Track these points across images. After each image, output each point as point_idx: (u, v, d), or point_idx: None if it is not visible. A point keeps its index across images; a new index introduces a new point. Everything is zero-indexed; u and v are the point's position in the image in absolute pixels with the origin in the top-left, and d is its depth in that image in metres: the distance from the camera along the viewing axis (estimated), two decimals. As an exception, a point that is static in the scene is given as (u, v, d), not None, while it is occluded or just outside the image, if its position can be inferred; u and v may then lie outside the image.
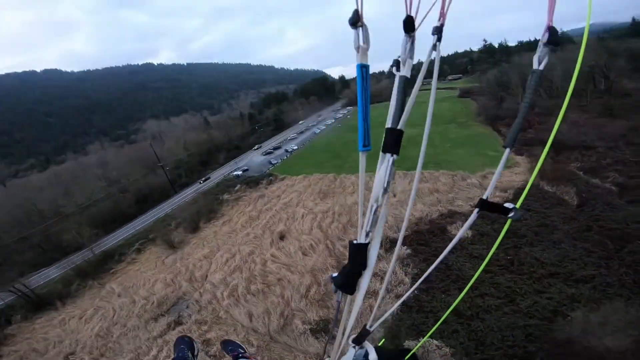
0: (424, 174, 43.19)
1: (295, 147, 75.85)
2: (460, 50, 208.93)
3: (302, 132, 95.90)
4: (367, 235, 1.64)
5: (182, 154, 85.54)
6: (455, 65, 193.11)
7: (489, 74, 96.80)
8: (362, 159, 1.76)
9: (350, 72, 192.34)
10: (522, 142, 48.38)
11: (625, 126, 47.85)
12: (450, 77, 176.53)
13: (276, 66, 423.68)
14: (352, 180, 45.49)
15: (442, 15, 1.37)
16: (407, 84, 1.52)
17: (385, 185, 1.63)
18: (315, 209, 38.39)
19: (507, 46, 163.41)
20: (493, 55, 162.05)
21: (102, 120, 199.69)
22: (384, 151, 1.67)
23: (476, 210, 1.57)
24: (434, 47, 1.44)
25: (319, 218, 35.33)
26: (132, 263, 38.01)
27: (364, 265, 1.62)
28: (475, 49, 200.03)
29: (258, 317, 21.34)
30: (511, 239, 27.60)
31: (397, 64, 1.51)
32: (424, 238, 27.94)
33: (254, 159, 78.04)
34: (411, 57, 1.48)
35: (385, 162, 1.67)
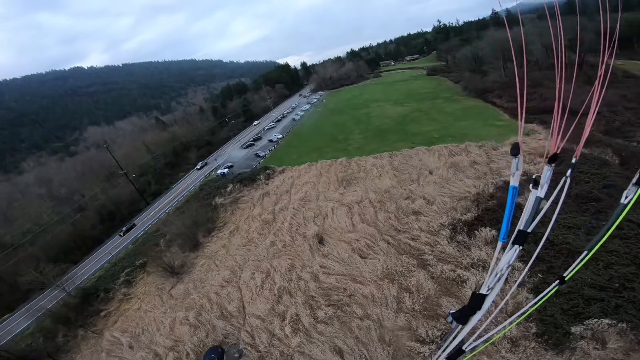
0: (449, 148, 39.43)
1: (280, 136, 68.40)
2: (412, 32, 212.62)
3: (279, 120, 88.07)
4: (488, 289, 2.26)
5: (145, 158, 73.25)
6: (411, 46, 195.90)
7: (460, 52, 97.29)
8: (499, 246, 2.47)
9: (309, 60, 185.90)
10: (527, 111, 49.15)
11: (614, 94, 50.21)
12: (408, 58, 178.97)
13: (224, 60, 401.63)
14: (372, 162, 40.27)
15: (577, 155, 2.61)
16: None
17: (509, 264, 2.24)
18: (344, 199, 32.57)
19: (459, 26, 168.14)
20: (448, 35, 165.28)
21: (32, 133, 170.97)
22: (514, 243, 2.23)
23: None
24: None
25: (355, 210, 29.64)
26: (127, 300, 29.07)
27: (479, 308, 2.23)
28: (427, 29, 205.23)
29: (352, 352, 15.51)
30: (590, 203, 24.87)
31: (535, 183, 2.44)
32: (501, 215, 23.77)
33: (234, 153, 69.09)
34: (547, 183, 2.28)
35: (512, 251, 2.19)
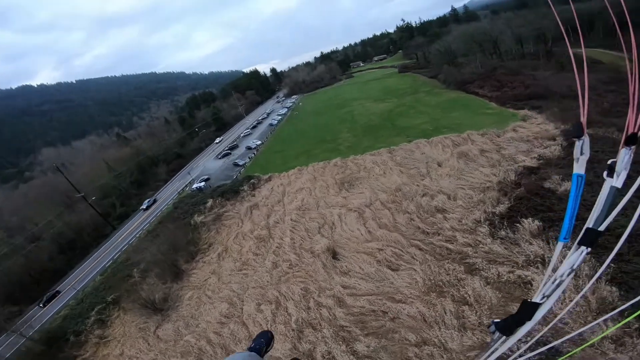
0: (451, 138, 36.86)
1: (259, 142, 63.33)
2: (377, 33, 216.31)
3: (254, 127, 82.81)
4: (542, 297, 1.91)
5: (106, 177, 64.93)
6: (377, 46, 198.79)
7: (432, 47, 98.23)
8: (559, 247, 1.99)
9: (276, 67, 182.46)
10: (514, 99, 47.63)
11: (592, 78, 51.41)
12: (375, 58, 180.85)
13: (187, 72, 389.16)
14: (371, 159, 36.71)
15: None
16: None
17: (572, 269, 1.82)
18: (350, 203, 28.51)
19: (422, 24, 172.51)
20: (412, 34, 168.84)
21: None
22: (579, 243, 1.83)
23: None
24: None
25: (368, 215, 25.65)
26: (105, 344, 22.91)
27: (529, 318, 1.87)
28: (390, 30, 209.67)
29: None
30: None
31: (610, 169, 1.73)
32: (538, 204, 20.86)
33: (209, 164, 62.98)
34: (626, 169, 1.65)
35: (579, 252, 1.82)
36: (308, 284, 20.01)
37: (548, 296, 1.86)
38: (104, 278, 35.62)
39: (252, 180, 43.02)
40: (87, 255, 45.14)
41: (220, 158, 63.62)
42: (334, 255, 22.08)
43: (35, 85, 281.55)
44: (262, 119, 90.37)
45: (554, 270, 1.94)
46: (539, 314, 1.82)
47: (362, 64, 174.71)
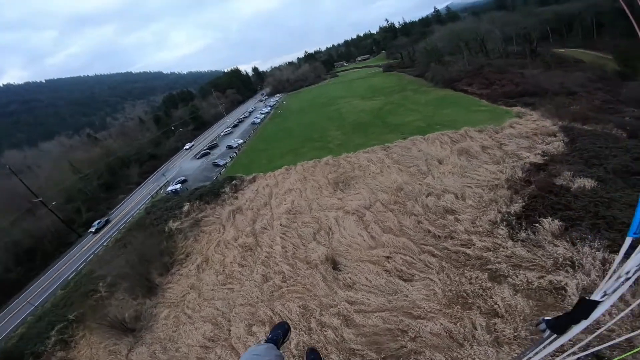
0: (448, 135, 35.17)
1: (241, 141, 59.64)
2: (361, 33, 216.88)
3: (235, 126, 78.78)
4: (603, 294, 1.79)
5: (71, 179, 59.07)
6: (361, 46, 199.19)
7: (417, 46, 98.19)
8: (627, 243, 1.89)
9: (260, 67, 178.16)
10: (505, 96, 47.05)
11: (579, 76, 50.65)
12: (359, 58, 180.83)
13: (165, 71, 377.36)
14: (365, 157, 34.42)
15: None
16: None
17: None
18: (347, 205, 25.88)
19: (406, 25, 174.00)
20: (396, 34, 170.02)
21: None
22: None
23: None
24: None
25: (369, 217, 23.10)
26: None
27: (586, 317, 1.77)
28: (373, 31, 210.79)
29: None
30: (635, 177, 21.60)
31: None
32: (554, 202, 19.06)
33: (186, 165, 58.63)
34: None
35: None
36: (307, 300, 17.13)
37: (609, 294, 1.75)
38: (66, 293, 31.05)
39: (234, 182, 39.56)
40: (47, 267, 40.00)
41: (198, 158, 59.39)
42: (335, 266, 19.33)
43: (1, 85, 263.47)
44: (243, 117, 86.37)
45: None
46: (597, 313, 1.73)
47: (345, 64, 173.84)
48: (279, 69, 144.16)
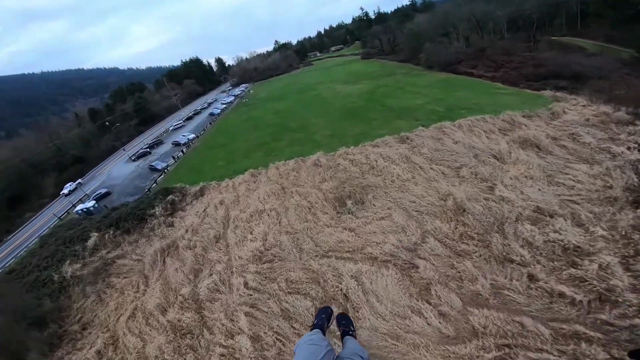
0: (488, 120, 23.96)
1: (193, 136, 44.94)
2: (334, 24, 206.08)
3: (190, 118, 63.38)
4: None
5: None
6: (334, 37, 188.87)
7: (401, 31, 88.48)
8: None
9: (227, 61, 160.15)
10: (525, 79, 39.80)
11: (600, 60, 43.48)
12: (333, 49, 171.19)
13: (121, 67, 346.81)
14: (377, 152, 22.45)
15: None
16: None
17: None
18: (371, 245, 13.48)
19: (382, 14, 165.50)
20: (371, 23, 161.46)
21: None
22: None
23: None
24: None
25: (423, 271, 10.87)
26: None
27: None
28: (347, 22, 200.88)
29: None
30: None
31: None
32: None
33: (117, 170, 43.10)
34: None
35: None
36: None
37: None
38: None
39: (170, 197, 25.58)
40: None
41: (134, 160, 43.93)
42: None
43: None
44: (201, 109, 70.96)
45: None
46: None
47: (319, 54, 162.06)
48: (246, 60, 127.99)
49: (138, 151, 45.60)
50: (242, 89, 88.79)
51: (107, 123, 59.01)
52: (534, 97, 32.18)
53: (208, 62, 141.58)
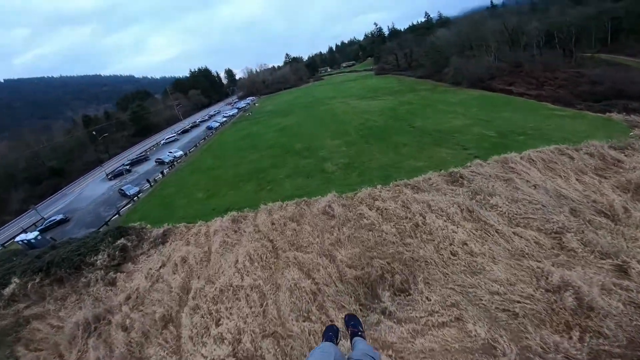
0: (545, 154, 16.34)
1: (180, 153, 38.24)
2: (346, 40, 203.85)
3: (186, 131, 57.27)
4: None
5: None
6: (345, 52, 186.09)
7: (416, 48, 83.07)
8: None
9: (238, 75, 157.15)
10: (581, 98, 33.37)
11: None
12: (344, 64, 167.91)
13: (137, 75, 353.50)
14: (424, 200, 14.66)
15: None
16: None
17: None
18: None
19: (397, 30, 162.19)
20: (384, 39, 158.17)
21: None
22: None
23: None
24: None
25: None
26: None
27: None
28: (360, 38, 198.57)
29: None
30: None
31: None
32: None
33: (89, 190, 36.43)
34: None
35: None
36: None
37: None
38: None
39: (121, 241, 18.39)
40: None
41: (111, 179, 37.24)
42: None
43: None
44: (200, 121, 65.09)
45: None
46: None
47: (329, 70, 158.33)
48: (254, 71, 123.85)
49: (116, 169, 38.93)
50: (248, 101, 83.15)
51: (94, 132, 53.05)
52: (603, 122, 24.97)
53: (217, 73, 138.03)
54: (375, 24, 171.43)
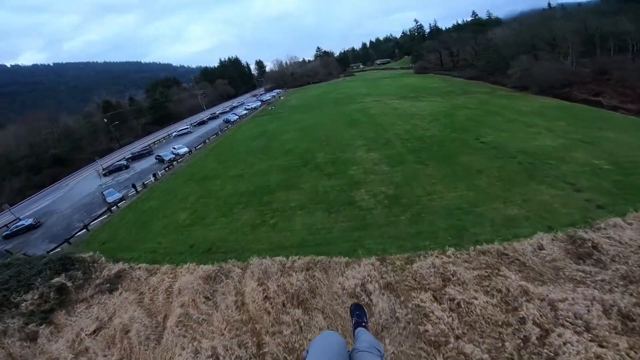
0: None
1: (185, 151, 32.64)
2: (381, 37, 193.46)
3: (202, 123, 52.28)
4: None
5: None
6: (380, 49, 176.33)
7: (465, 46, 73.39)
8: None
9: (268, 68, 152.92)
10: None
11: None
12: (378, 62, 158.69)
13: (174, 64, 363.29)
14: (451, 282, 7.21)
15: None
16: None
17: None
18: None
19: (439, 28, 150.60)
20: (424, 38, 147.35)
21: None
22: None
23: None
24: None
25: None
26: None
27: None
28: (397, 35, 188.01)
29: None
30: None
31: None
32: None
33: (81, 186, 31.77)
34: None
35: None
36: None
37: None
38: None
39: (59, 279, 12.89)
40: None
41: (106, 175, 32.39)
42: None
43: (9, 66, 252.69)
44: (221, 112, 60.03)
45: None
46: None
47: (362, 66, 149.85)
48: (284, 63, 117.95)
49: (114, 164, 34.05)
50: (274, 94, 77.35)
51: (105, 120, 49.24)
52: None
53: (247, 64, 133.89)
54: (416, 21, 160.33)
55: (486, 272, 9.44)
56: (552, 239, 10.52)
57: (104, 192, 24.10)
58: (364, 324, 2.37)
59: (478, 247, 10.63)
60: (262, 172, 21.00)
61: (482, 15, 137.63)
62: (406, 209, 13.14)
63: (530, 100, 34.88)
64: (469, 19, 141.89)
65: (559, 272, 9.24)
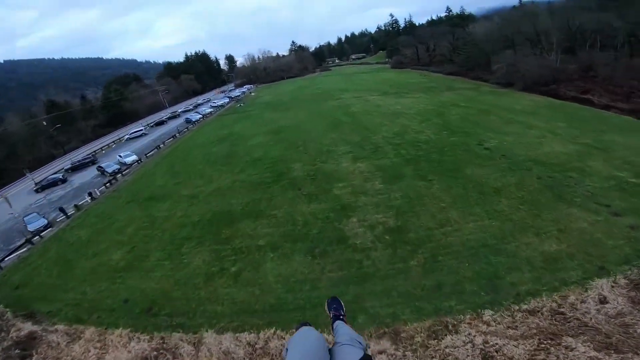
0: None
1: (132, 159, 27.52)
2: (356, 32, 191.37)
3: (161, 124, 46.53)
4: None
5: None
6: (356, 44, 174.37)
7: (441, 41, 72.00)
8: None
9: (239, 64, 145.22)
10: None
11: None
12: (353, 57, 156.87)
13: (139, 60, 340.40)
14: None
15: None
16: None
17: None
18: None
19: (413, 24, 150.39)
20: (399, 33, 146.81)
21: None
22: None
23: None
24: None
25: None
26: None
27: None
28: (372, 30, 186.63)
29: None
30: None
31: None
32: None
33: (6, 206, 25.75)
34: None
35: None
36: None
37: None
38: None
39: None
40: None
41: (38, 191, 26.64)
42: None
43: None
44: (183, 111, 54.27)
45: None
46: None
47: (337, 61, 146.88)
48: (257, 58, 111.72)
49: (48, 177, 28.18)
50: (244, 89, 72.03)
51: (44, 123, 42.24)
52: None
53: (216, 58, 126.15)
54: (391, 15, 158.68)
55: (541, 342, 6.33)
56: (611, 285, 7.68)
57: (26, 218, 18.93)
58: (341, 316, 2.26)
59: (523, 305, 7.54)
60: (222, 190, 16.88)
61: (456, 11, 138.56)
62: (416, 249, 9.80)
63: (518, 97, 33.22)
64: (443, 15, 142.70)
65: (628, 330, 6.45)
